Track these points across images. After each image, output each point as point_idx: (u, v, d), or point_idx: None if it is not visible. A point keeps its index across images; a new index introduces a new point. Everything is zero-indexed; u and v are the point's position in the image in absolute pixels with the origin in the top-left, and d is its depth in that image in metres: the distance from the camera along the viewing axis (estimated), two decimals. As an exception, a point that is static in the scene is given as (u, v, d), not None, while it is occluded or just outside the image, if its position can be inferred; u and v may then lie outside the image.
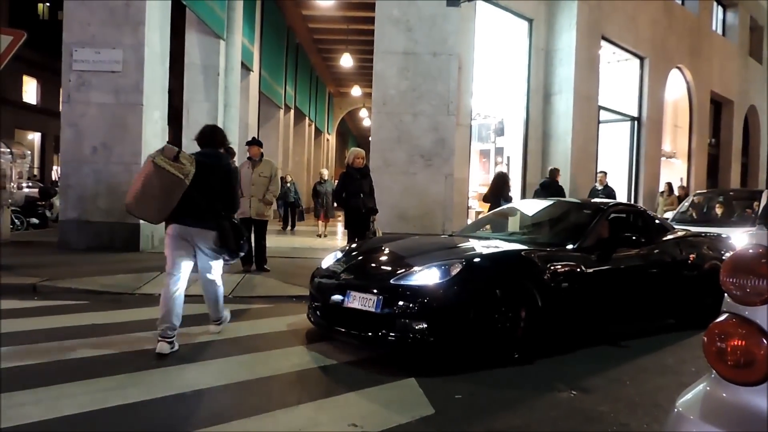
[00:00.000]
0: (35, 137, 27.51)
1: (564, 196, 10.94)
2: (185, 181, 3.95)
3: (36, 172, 23.37)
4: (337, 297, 4.24)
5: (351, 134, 43.83)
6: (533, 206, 6.49)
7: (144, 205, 4.02)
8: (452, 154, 9.57)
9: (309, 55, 25.12)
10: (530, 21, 12.65)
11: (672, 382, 3.81)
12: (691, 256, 5.45)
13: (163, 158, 3.93)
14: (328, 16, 19.37)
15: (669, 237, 5.58)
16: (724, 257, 5.46)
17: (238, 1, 14.30)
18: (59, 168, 10.18)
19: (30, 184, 15.39)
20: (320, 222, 13.40)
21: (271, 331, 4.86)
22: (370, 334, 3.97)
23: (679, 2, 17.75)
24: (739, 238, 7.61)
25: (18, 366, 3.59)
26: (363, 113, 33.29)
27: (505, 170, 11.77)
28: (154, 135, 9.42)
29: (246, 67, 15.77)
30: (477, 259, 4.37)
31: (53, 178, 23.88)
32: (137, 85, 8.98)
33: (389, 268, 4.37)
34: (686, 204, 10.14)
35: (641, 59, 15.57)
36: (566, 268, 4.42)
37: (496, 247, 4.78)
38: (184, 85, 13.63)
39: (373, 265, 4.60)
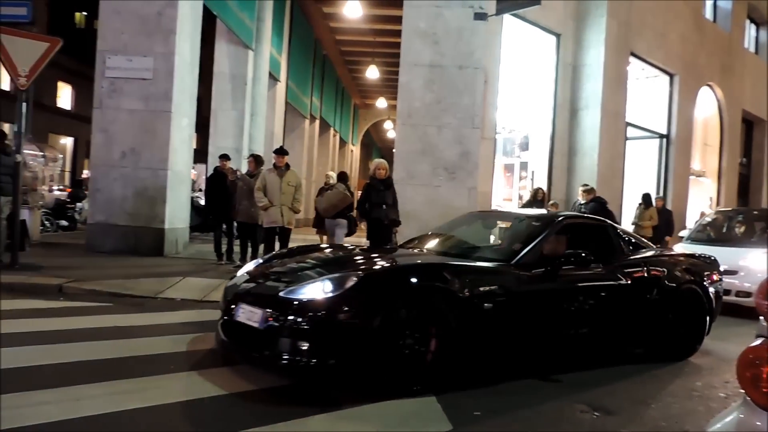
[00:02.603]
0: (68, 141, 28.20)
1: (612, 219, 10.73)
2: (351, 199, 8.65)
3: (67, 175, 23.92)
4: (231, 309, 3.82)
5: (375, 146, 44.00)
6: (491, 217, 6.25)
7: (330, 211, 8.57)
8: (476, 168, 9.50)
9: (335, 67, 25.37)
10: (558, 36, 12.57)
11: (700, 406, 3.69)
12: (663, 278, 4.87)
13: (345, 188, 8.79)
14: (355, 29, 19.55)
15: (638, 256, 4.99)
16: (705, 282, 5.17)
17: (268, 13, 14.54)
18: (89, 172, 10.40)
19: (60, 187, 15.76)
20: (319, 235, 11.02)
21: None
22: (254, 353, 3.54)
23: (711, 19, 17.47)
24: (760, 259, 7.38)
25: (39, 365, 3.64)
26: (387, 125, 33.42)
27: (541, 186, 11.64)
28: (181, 142, 9.57)
29: (273, 77, 15.99)
30: (377, 272, 3.84)
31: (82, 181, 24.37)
32: (167, 92, 9.15)
33: (288, 279, 3.87)
34: (703, 222, 9.82)
35: (671, 76, 15.34)
36: (492, 287, 3.86)
37: (415, 259, 4.29)
38: (213, 94, 13.86)
39: (277, 274, 4.08)
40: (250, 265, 4.52)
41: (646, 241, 5.72)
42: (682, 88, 15.41)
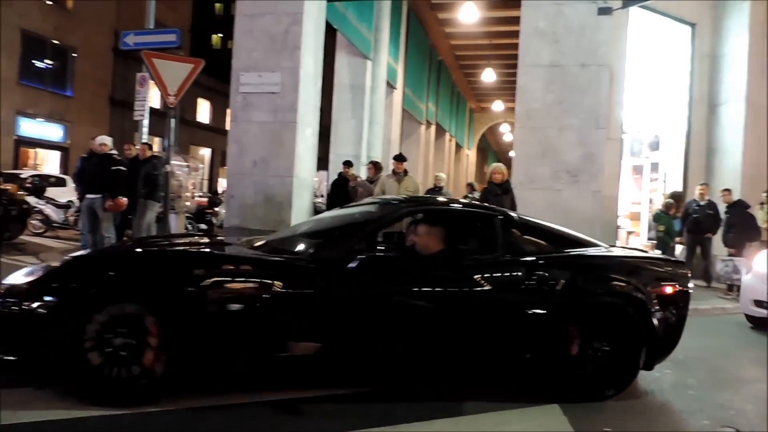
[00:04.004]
0: (206, 152, 30.88)
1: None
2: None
3: (205, 183, 26.25)
4: None
5: (491, 149, 43.34)
6: (352, 209, 4.94)
7: None
8: (601, 170, 9.02)
9: (451, 72, 25.39)
10: (692, 25, 11.60)
11: None
12: (557, 286, 3.57)
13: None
14: (470, 33, 19.44)
15: (526, 258, 3.72)
16: (649, 296, 3.72)
17: (385, 23, 14.92)
18: (225, 180, 11.33)
19: (201, 193, 17.32)
20: None
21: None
22: None
23: None
24: None
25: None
26: (504, 128, 32.81)
27: (679, 190, 10.88)
28: (306, 150, 10.10)
29: (390, 85, 16.36)
30: (79, 259, 3.37)
31: (218, 189, 26.61)
32: (293, 104, 9.69)
33: None
34: None
35: (833, 62, 13.50)
36: (249, 284, 3.15)
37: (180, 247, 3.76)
38: (333, 104, 14.49)
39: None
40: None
41: (580, 237, 4.37)
42: None
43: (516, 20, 9.92)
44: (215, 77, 25.92)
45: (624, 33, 10.27)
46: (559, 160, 9.08)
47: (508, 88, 24.22)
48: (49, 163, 23.30)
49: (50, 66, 22.87)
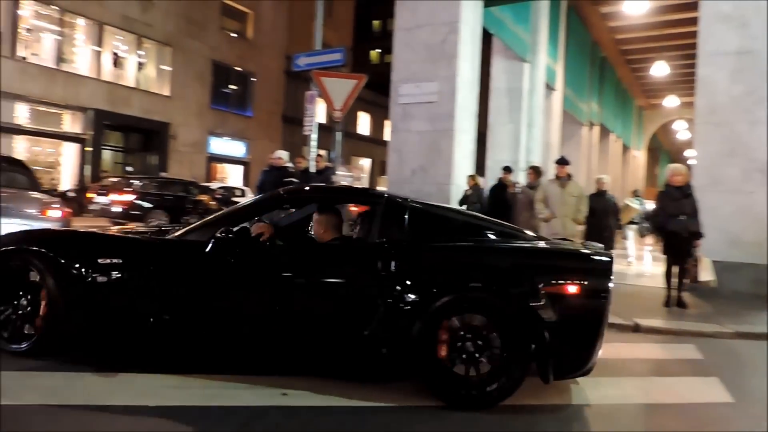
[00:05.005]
0: (366, 162, 32.48)
1: None
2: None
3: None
4: None
5: (663, 150, 39.61)
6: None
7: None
8: (806, 168, 7.78)
9: (615, 68, 23.79)
10: None
11: None
12: (409, 278, 3.19)
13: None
14: (637, 25, 18.06)
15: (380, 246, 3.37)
16: (535, 292, 3.06)
17: (543, 23, 14.45)
18: (385, 188, 11.79)
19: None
20: None
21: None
22: None
23: None
24: None
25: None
26: (677, 125, 29.86)
27: None
28: (463, 157, 10.14)
29: (549, 87, 15.78)
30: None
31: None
32: (450, 112, 9.81)
33: None
34: None
35: None
36: (115, 260, 3.48)
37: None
38: (489, 109, 14.35)
39: None
40: None
41: (498, 226, 3.77)
42: None
43: (693, 6, 9.03)
44: (374, 91, 27.12)
45: (835, 7, 8.77)
46: (750, 159, 8.02)
47: (683, 81, 22.04)
48: (233, 176, 26.24)
49: (234, 90, 25.81)
